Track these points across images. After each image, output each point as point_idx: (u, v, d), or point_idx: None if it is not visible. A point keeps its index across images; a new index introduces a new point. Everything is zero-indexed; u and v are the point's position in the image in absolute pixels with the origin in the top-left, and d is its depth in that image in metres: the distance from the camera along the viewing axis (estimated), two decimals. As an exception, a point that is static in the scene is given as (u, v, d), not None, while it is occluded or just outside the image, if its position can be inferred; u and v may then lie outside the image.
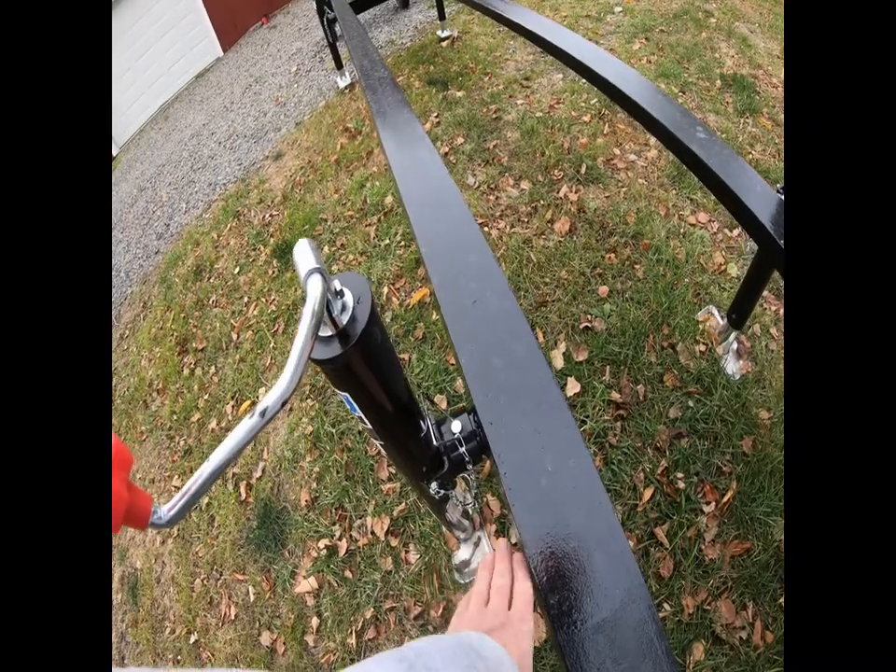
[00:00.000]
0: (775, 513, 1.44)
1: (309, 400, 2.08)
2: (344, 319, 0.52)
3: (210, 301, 2.92)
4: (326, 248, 2.59)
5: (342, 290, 0.53)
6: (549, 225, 2.20)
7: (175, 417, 2.50)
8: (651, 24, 3.90)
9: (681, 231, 2.12)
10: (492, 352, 0.73)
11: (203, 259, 3.29)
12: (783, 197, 1.12)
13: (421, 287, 2.12)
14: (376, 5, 4.93)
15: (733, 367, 1.73)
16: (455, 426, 0.75)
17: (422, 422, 0.77)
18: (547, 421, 0.66)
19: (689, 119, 1.31)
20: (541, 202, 2.31)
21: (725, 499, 1.48)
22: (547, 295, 1.95)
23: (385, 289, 2.19)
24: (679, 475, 1.53)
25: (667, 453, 1.57)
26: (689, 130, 1.28)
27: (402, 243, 2.36)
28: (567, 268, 2.02)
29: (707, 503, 1.48)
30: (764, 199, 1.13)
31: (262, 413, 0.42)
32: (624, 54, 3.42)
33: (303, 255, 0.48)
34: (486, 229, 2.23)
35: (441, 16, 4.25)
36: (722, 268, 1.99)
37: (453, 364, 1.86)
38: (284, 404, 0.44)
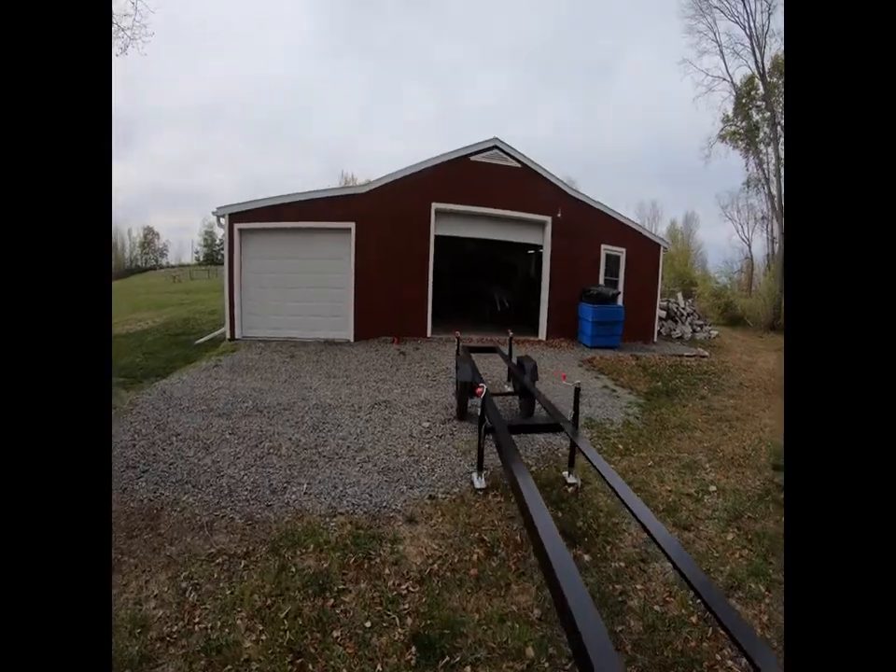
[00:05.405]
0: None
1: None
2: None
3: (333, 635, 2.77)
4: (468, 668, 2.65)
5: None
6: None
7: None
8: (741, 509, 4.62)
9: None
10: None
11: (328, 574, 3.25)
12: None
13: None
14: (526, 433, 5.78)
15: None
16: None
17: None
18: None
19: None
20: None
21: None
22: None
23: None
24: None
25: None
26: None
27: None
28: None
29: None
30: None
31: None
32: (721, 546, 4.03)
33: None
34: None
35: (571, 463, 4.98)
36: None
37: None
38: None
